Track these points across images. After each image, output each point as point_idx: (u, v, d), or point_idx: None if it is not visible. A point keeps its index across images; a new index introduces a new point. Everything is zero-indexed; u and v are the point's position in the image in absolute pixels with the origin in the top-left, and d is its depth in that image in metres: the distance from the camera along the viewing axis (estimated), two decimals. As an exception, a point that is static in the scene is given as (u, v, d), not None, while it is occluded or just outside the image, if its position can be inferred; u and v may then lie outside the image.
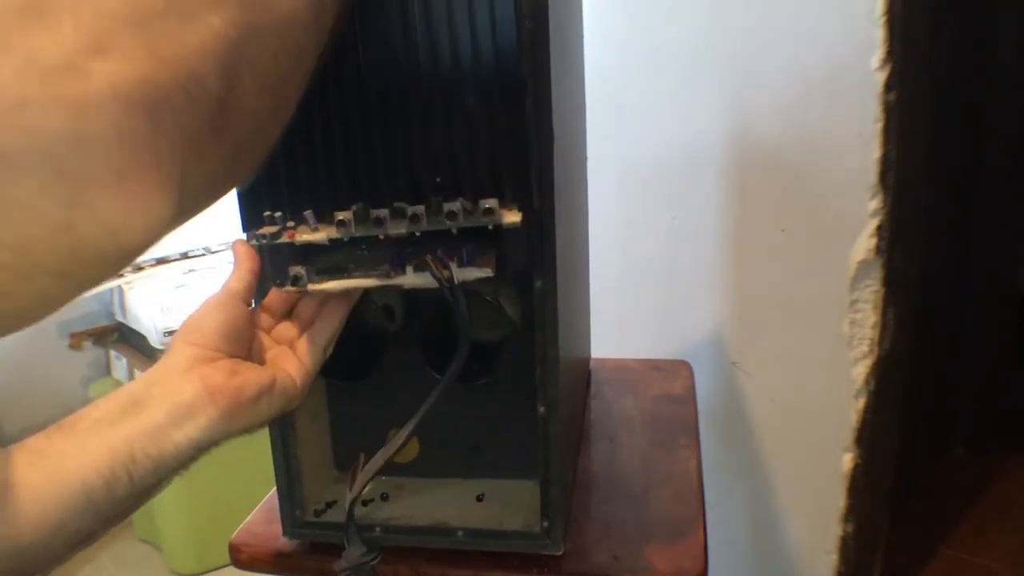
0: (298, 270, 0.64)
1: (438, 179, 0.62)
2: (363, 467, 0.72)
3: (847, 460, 1.55)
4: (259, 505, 0.92)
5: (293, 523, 0.82)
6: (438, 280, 0.61)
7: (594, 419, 1.12)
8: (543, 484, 0.76)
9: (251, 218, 0.66)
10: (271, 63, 0.41)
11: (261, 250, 0.69)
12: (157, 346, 2.03)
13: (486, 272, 0.62)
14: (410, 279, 0.62)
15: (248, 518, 0.90)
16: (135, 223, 0.32)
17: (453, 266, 0.62)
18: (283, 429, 0.79)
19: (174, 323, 2.02)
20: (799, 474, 1.64)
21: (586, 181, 1.15)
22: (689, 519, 0.85)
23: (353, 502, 0.71)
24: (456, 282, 0.62)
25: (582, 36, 1.04)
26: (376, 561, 0.71)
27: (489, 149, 0.62)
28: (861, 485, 1.56)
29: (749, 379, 1.62)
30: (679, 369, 1.28)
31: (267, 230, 0.65)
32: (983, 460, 2.48)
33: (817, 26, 1.36)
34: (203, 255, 2.31)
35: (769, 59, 1.41)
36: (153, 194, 0.32)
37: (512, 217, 0.61)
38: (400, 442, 0.68)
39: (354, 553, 0.71)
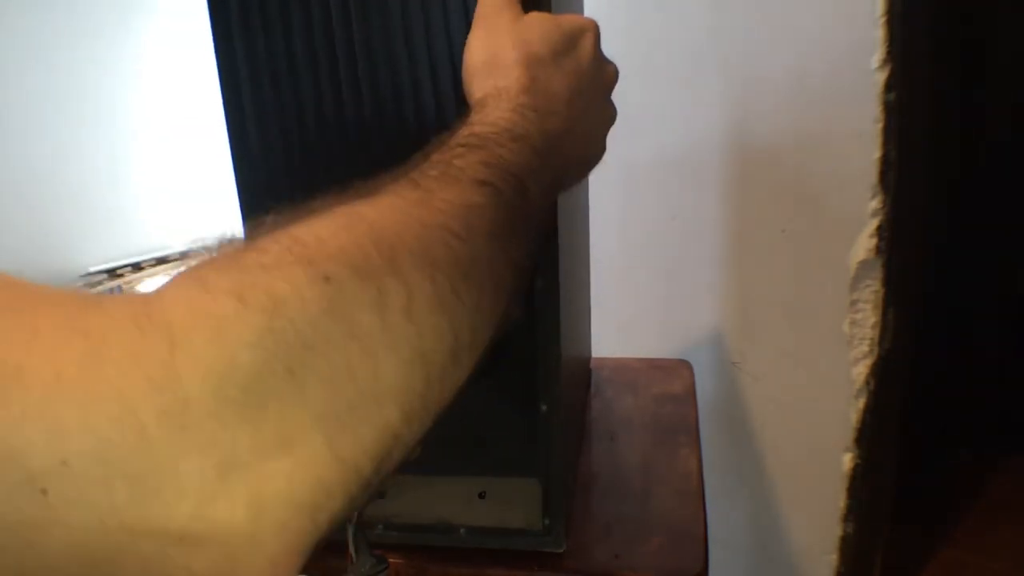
0: None
1: None
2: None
3: (847, 460, 1.56)
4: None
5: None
6: None
7: (595, 418, 1.12)
8: (544, 482, 0.76)
9: (251, 216, 0.66)
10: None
11: None
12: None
13: None
14: None
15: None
16: None
17: None
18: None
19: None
20: (799, 474, 1.64)
21: (586, 181, 1.15)
22: (689, 518, 0.85)
23: (360, 512, 0.71)
24: None
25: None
26: (384, 572, 0.71)
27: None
28: (861, 485, 1.56)
29: (749, 379, 1.62)
30: (679, 369, 1.29)
31: (270, 222, 0.65)
32: (984, 460, 2.48)
33: (817, 26, 1.36)
34: (204, 254, 2.31)
35: (769, 59, 1.41)
36: (293, 571, 0.34)
37: None
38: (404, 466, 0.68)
39: (363, 565, 0.72)
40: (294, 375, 0.33)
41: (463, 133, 0.49)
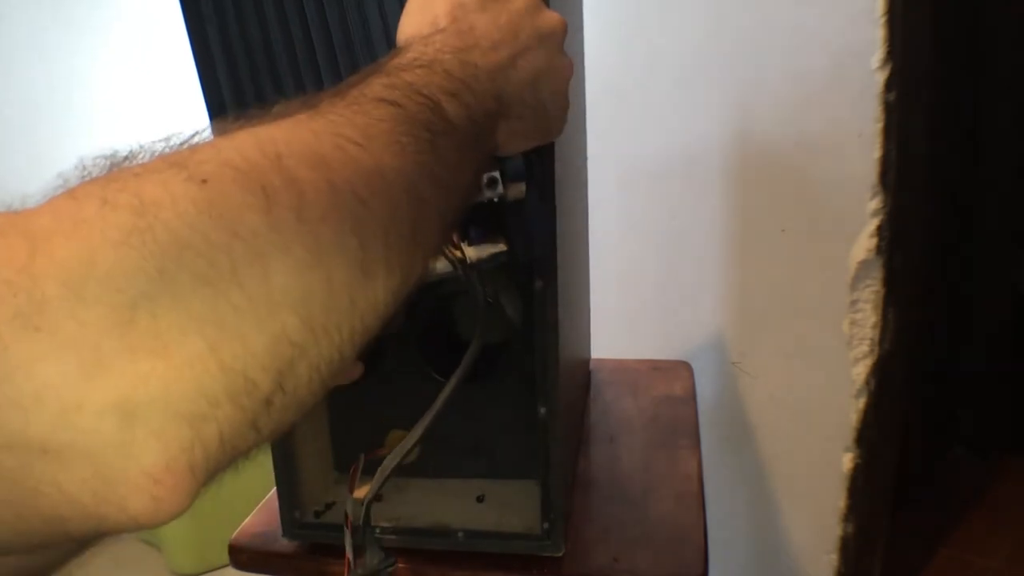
0: None
1: None
2: (363, 468, 0.72)
3: (847, 460, 1.55)
4: (258, 506, 0.92)
5: (293, 524, 0.82)
6: (451, 262, 0.61)
7: (594, 420, 1.12)
8: (543, 485, 0.76)
9: None
10: (334, 363, 0.39)
11: None
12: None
13: (499, 247, 0.62)
14: None
15: (247, 519, 0.90)
16: (158, 518, 0.32)
17: (464, 246, 0.61)
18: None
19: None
20: (799, 474, 1.64)
21: (586, 181, 1.15)
22: (689, 521, 0.84)
23: (369, 505, 0.70)
24: (469, 261, 0.61)
25: (582, 36, 1.04)
26: (392, 567, 0.71)
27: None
28: (861, 485, 1.56)
29: (749, 379, 1.62)
30: (679, 370, 1.28)
31: None
32: (983, 460, 2.47)
33: (817, 26, 1.36)
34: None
35: (769, 59, 1.41)
36: (181, 496, 0.32)
37: (517, 188, 0.60)
38: (409, 446, 0.68)
39: (372, 559, 0.71)
40: (165, 275, 0.31)
41: (367, 69, 0.47)
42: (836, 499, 1.60)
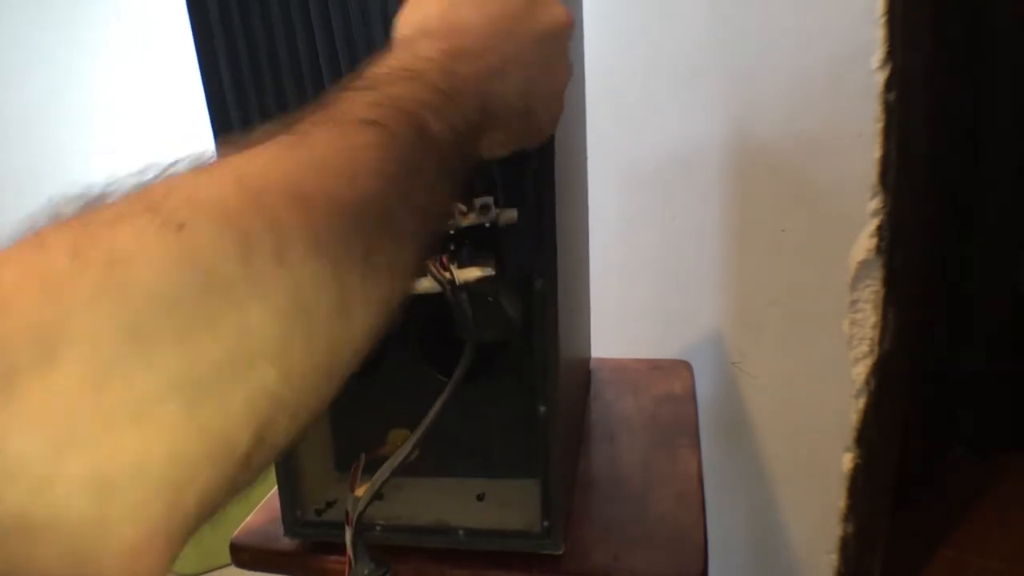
0: None
1: None
2: (363, 467, 0.72)
3: (847, 460, 1.56)
4: (260, 505, 0.92)
5: (294, 523, 0.82)
6: (440, 283, 0.61)
7: (594, 419, 1.12)
8: (543, 484, 0.76)
9: None
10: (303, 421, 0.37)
11: None
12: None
13: (487, 271, 0.62)
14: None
15: (249, 517, 0.90)
16: None
17: (453, 268, 0.62)
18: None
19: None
20: (799, 474, 1.64)
21: (586, 181, 1.15)
22: (689, 520, 0.85)
23: (360, 516, 0.71)
24: (458, 283, 0.62)
25: (582, 35, 1.05)
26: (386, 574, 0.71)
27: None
28: (861, 485, 1.56)
29: (749, 379, 1.62)
30: (679, 369, 1.28)
31: None
32: (984, 460, 2.48)
33: (817, 26, 1.36)
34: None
35: (769, 59, 1.41)
36: (160, 567, 0.31)
37: (509, 214, 0.61)
38: (407, 451, 0.68)
39: (362, 569, 0.71)
40: (139, 335, 0.29)
41: (351, 78, 0.45)
42: (836, 499, 1.60)
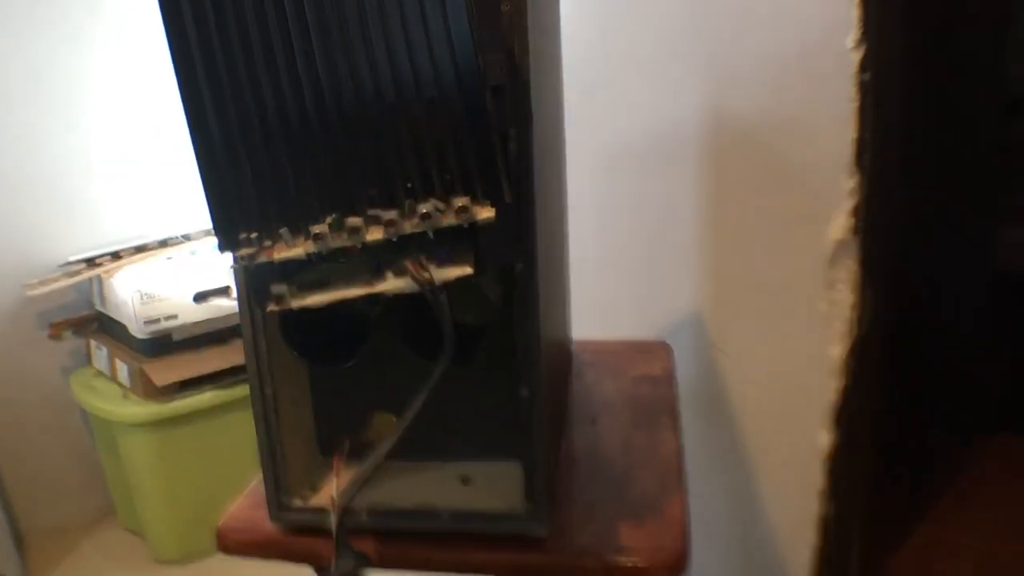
0: (280, 288, 0.65)
1: (409, 185, 0.62)
2: (348, 452, 0.73)
3: (826, 439, 1.57)
4: (245, 491, 0.93)
5: (279, 508, 0.83)
6: (419, 283, 0.62)
7: (576, 401, 1.13)
8: (527, 466, 0.77)
9: (227, 241, 0.66)
10: None
11: (242, 271, 0.69)
12: (137, 335, 2.02)
13: (465, 270, 0.63)
14: (391, 284, 0.63)
15: (233, 504, 0.91)
16: None
17: (432, 267, 0.62)
18: (266, 415, 0.79)
19: (154, 312, 2.01)
20: (779, 454, 1.65)
21: (564, 165, 1.16)
22: (670, 499, 0.86)
23: (342, 514, 0.71)
24: (436, 283, 0.63)
25: (559, 24, 1.05)
26: (365, 568, 0.72)
27: (456, 147, 0.62)
28: (840, 464, 1.57)
29: (728, 360, 1.63)
30: (659, 350, 1.30)
31: (245, 252, 0.65)
32: (961, 438, 2.50)
33: (791, 6, 1.36)
34: (182, 242, 2.30)
35: (744, 40, 1.42)
36: None
37: (485, 213, 0.61)
38: (393, 443, 0.69)
39: (346, 565, 0.72)
40: None
41: None
42: (816, 478, 1.61)
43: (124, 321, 2.06)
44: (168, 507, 2.11)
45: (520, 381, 0.74)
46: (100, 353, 2.20)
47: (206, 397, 2.04)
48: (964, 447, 2.46)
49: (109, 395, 2.08)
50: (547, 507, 0.78)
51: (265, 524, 0.84)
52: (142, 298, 1.99)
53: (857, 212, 1.40)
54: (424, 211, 0.61)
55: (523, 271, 0.69)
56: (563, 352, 1.14)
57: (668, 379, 1.18)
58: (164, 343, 2.06)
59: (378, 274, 0.64)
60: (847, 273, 1.45)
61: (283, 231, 0.63)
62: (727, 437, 1.68)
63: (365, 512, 0.80)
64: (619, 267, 1.66)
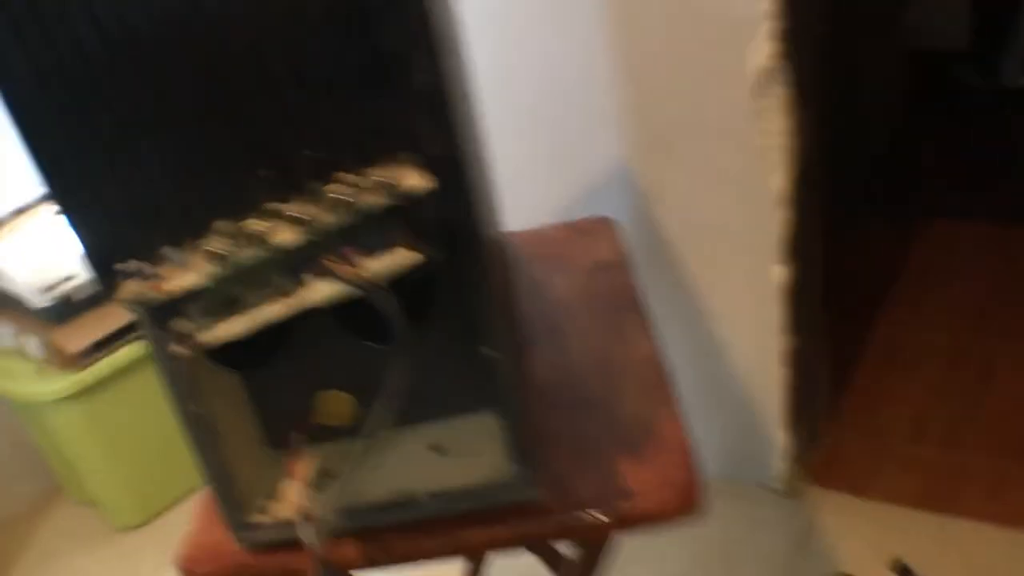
0: (181, 326, 0.52)
1: (307, 152, 0.49)
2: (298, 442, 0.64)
3: (779, 272, 1.51)
4: (194, 509, 0.83)
5: (240, 527, 0.73)
6: (349, 283, 0.50)
7: (529, 309, 1.03)
8: (505, 428, 0.68)
9: (107, 279, 0.53)
10: None
11: (138, 317, 0.56)
12: (38, 304, 1.87)
13: (408, 257, 0.51)
14: (317, 291, 0.51)
15: (190, 525, 0.81)
16: None
17: (361, 260, 0.50)
18: (199, 437, 0.68)
19: (52, 278, 1.87)
20: (731, 292, 1.60)
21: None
22: (663, 416, 0.78)
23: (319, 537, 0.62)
24: (371, 278, 0.51)
25: None
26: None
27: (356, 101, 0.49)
28: (796, 294, 1.53)
29: (664, 207, 1.55)
30: (602, 229, 1.20)
31: (129, 291, 0.52)
32: (899, 229, 2.47)
33: None
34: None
35: None
36: None
37: (415, 180, 0.49)
38: (362, 451, 0.60)
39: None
40: None
41: None
42: (774, 312, 1.57)
43: (21, 293, 1.91)
44: (115, 473, 2.01)
45: (482, 341, 0.64)
46: (5, 332, 2.06)
47: (123, 354, 1.93)
48: (904, 236, 2.44)
49: (25, 375, 1.95)
50: (535, 466, 0.69)
51: (230, 545, 0.74)
52: (37, 264, 1.85)
53: (780, 35, 1.30)
54: (338, 196, 0.48)
55: (463, 230, 0.58)
56: (502, 257, 1.04)
57: (622, 263, 1.08)
58: (67, 307, 1.93)
59: (295, 280, 0.51)
60: (776, 99, 1.37)
61: (167, 250, 0.51)
62: (677, 284, 1.62)
63: (336, 515, 0.70)
64: (536, 137, 1.55)
